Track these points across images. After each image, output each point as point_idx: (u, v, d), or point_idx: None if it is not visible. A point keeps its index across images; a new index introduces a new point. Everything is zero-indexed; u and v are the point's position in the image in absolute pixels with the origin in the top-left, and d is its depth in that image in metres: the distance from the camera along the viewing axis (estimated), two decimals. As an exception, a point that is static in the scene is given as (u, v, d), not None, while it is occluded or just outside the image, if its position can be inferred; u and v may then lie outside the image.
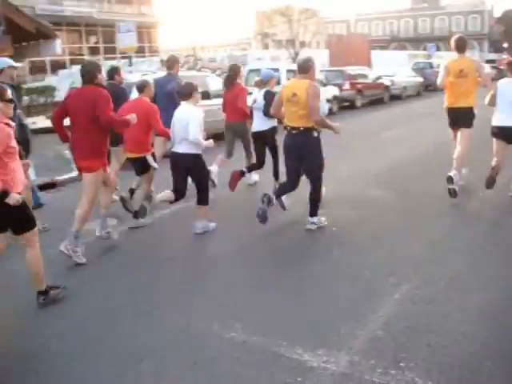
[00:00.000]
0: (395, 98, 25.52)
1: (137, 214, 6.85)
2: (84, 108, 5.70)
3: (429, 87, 31.49)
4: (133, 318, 4.54)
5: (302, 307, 4.60)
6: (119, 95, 7.34)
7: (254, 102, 8.21)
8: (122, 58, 27.52)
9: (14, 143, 4.45)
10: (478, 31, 78.95)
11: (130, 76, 13.91)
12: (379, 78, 24.52)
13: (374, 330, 4.11)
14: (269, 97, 7.68)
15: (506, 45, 75.68)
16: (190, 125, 6.28)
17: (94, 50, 36.70)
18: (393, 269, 5.30)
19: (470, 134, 7.75)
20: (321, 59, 34.31)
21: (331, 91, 19.83)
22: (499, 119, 7.33)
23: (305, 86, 6.27)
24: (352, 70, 23.32)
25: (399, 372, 3.54)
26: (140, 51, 33.60)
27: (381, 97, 24.11)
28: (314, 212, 6.60)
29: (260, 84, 8.29)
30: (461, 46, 7.76)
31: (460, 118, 7.76)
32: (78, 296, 5.01)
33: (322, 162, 6.61)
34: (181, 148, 6.45)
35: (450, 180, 7.49)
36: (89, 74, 5.82)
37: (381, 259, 5.60)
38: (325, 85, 18.76)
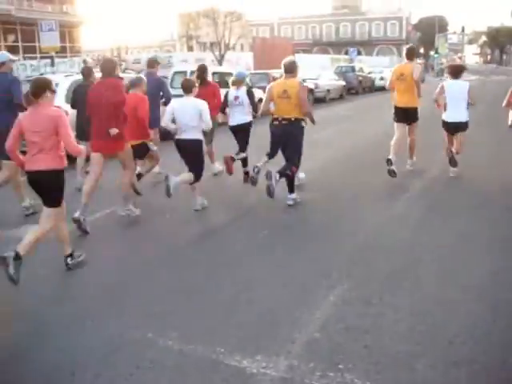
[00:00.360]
0: (319, 100, 25.93)
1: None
2: (106, 97, 6.68)
3: (351, 90, 32.28)
4: (63, 329, 4.34)
5: (238, 312, 4.54)
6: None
7: (236, 98, 8.99)
8: (42, 57, 26.65)
9: None
10: (396, 36, 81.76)
11: (53, 77, 13.39)
12: (303, 81, 24.75)
13: (311, 332, 4.11)
14: (252, 94, 9.14)
15: (422, 50, 78.59)
16: (203, 115, 7.25)
17: (12, 49, 35.19)
18: (326, 271, 5.33)
19: (415, 127, 9.38)
20: (245, 62, 34.51)
21: (256, 94, 19.88)
22: (446, 116, 8.86)
23: (295, 84, 7.45)
24: (277, 72, 23.43)
25: (338, 374, 3.55)
26: (61, 51, 32.58)
27: (305, 100, 24.37)
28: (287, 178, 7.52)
29: (237, 83, 9.19)
30: (409, 54, 9.40)
31: (405, 116, 9.22)
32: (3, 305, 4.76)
33: (301, 151, 7.71)
34: (188, 135, 7.32)
35: (389, 162, 8.88)
36: (107, 69, 7.01)
37: (314, 261, 5.63)
38: (251, 87, 18.84)
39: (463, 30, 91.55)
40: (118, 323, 4.38)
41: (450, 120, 8.81)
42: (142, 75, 8.87)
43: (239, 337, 4.09)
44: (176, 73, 18.10)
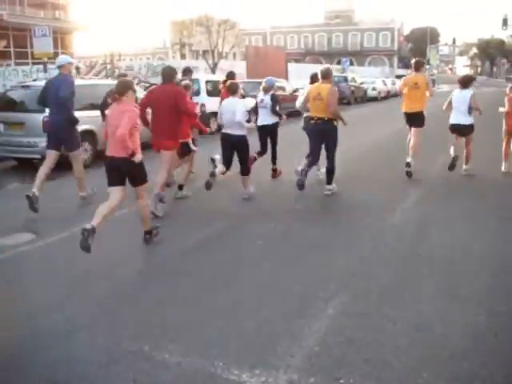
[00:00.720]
0: (312, 110, 25.84)
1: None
2: (166, 100, 7.55)
3: (343, 100, 32.29)
4: (58, 339, 4.25)
5: (236, 324, 4.46)
6: None
7: (262, 101, 10.00)
8: (34, 63, 26.47)
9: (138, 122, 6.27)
10: (388, 47, 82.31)
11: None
12: (296, 90, 24.81)
13: (310, 346, 4.05)
14: (275, 99, 9.93)
15: (413, 61, 78.96)
16: (236, 111, 8.21)
17: (4, 55, 35.03)
18: (323, 283, 5.27)
19: (420, 131, 10.17)
20: (238, 71, 34.51)
21: (249, 103, 19.85)
22: (452, 119, 10.05)
23: (327, 89, 8.53)
24: (270, 82, 23.43)
25: (339, 389, 3.49)
26: (54, 57, 32.32)
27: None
28: (329, 181, 8.81)
29: (266, 89, 10.07)
30: (417, 66, 10.46)
31: (413, 119, 10.15)
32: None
33: (337, 144, 8.74)
34: (230, 130, 8.38)
35: (407, 165, 9.78)
36: (168, 75, 7.88)
37: (311, 272, 5.57)
38: (244, 96, 18.83)
39: (454, 41, 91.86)
40: (114, 334, 4.29)
41: (452, 122, 10.04)
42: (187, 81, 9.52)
43: (238, 350, 4.02)
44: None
